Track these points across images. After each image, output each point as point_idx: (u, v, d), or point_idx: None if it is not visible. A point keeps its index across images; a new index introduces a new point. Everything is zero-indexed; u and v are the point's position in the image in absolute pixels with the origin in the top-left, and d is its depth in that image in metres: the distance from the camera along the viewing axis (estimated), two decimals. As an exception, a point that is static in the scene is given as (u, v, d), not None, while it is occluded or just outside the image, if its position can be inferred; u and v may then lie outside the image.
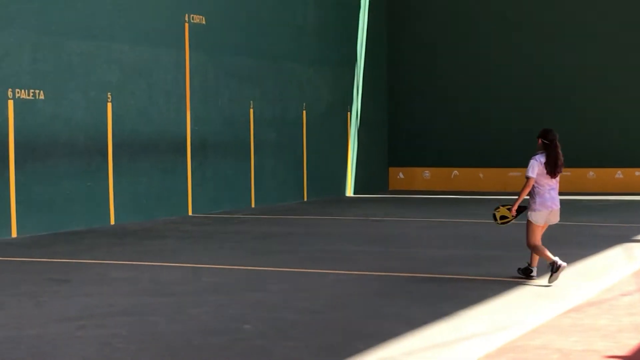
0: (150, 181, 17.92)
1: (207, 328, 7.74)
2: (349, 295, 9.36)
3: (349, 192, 24.80)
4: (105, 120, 16.89)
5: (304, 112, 22.75)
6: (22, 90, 15.20)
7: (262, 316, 8.22)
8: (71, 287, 10.02)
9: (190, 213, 18.92)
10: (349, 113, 24.72)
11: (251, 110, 20.83)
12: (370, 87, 25.81)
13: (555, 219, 10.16)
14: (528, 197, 10.19)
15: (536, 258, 10.19)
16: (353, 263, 11.72)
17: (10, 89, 14.97)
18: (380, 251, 12.96)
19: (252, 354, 6.82)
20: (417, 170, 26.87)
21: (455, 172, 26.44)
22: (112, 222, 16.98)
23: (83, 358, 6.75)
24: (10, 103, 14.99)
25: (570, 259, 11.31)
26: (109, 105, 16.95)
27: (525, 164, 10.35)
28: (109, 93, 16.93)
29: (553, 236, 12.32)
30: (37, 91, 15.47)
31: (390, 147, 27.02)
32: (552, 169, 9.93)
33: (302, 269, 11.21)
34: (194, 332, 7.59)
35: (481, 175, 26.16)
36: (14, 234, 14.99)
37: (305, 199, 22.82)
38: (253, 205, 20.87)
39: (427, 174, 26.82)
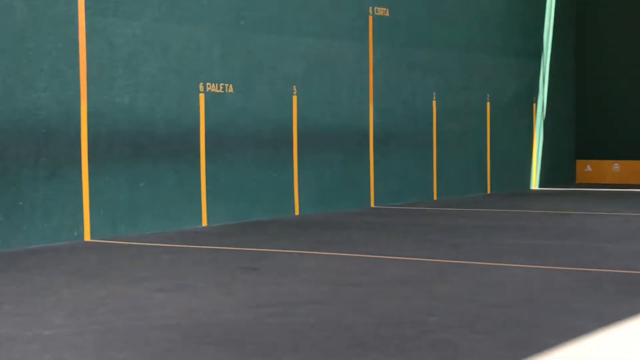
0: (333, 172, 18.17)
1: (393, 319, 7.77)
2: (536, 289, 9.18)
3: (534, 185, 24.31)
4: (290, 112, 17.25)
5: (488, 103, 22.46)
6: (213, 84, 15.72)
7: (448, 309, 8.18)
8: (259, 275, 10.29)
9: (372, 205, 19.06)
10: (534, 104, 24.22)
11: (434, 102, 20.74)
12: (557, 76, 25.17)
13: None
14: None
15: None
16: (540, 257, 11.48)
17: (201, 83, 15.52)
18: (569, 245, 12.63)
19: (438, 346, 6.80)
20: (606, 162, 26.00)
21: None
22: (297, 212, 17.32)
23: (273, 343, 6.92)
24: (202, 96, 15.53)
25: None
26: (294, 98, 17.29)
27: None
28: (294, 86, 17.27)
29: None
30: (226, 85, 15.97)
31: (577, 138, 26.29)
32: None
33: (487, 262, 11.08)
34: (380, 323, 7.64)
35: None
36: (204, 223, 15.54)
37: (489, 192, 22.53)
38: (435, 198, 20.80)
39: (617, 167, 25.91)
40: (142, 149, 14.63)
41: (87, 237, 13.72)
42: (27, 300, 8.80)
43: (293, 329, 7.42)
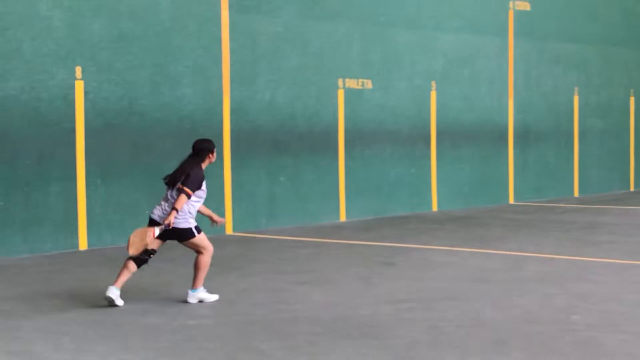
0: (472, 169, 18.02)
1: (534, 317, 7.68)
2: (684, 290, 8.90)
3: (681, 182, 23.47)
4: (429, 108, 17.19)
5: (632, 98, 21.81)
6: (352, 80, 15.83)
7: (591, 308, 8.02)
8: (398, 270, 10.32)
9: (511, 201, 18.80)
10: (681, 99, 23.37)
11: (576, 97, 20.30)
12: None
13: None
14: None
15: None
16: (687, 257, 11.11)
17: (340, 79, 15.65)
18: None
19: (582, 345, 6.69)
20: None
21: None
22: (435, 208, 17.26)
23: (412, 339, 6.94)
24: (341, 92, 15.66)
25: None
26: (433, 93, 17.23)
27: None
28: (433, 82, 17.21)
29: None
30: (365, 81, 16.05)
31: None
32: None
33: (630, 260, 10.79)
34: (521, 320, 7.56)
35: None
36: (343, 218, 15.68)
37: (632, 189, 21.89)
38: (576, 195, 20.35)
39: None
40: (282, 144, 14.87)
41: (229, 230, 14.05)
42: (174, 290, 9.09)
43: (431, 324, 7.43)
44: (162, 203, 8.40)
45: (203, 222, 9.15)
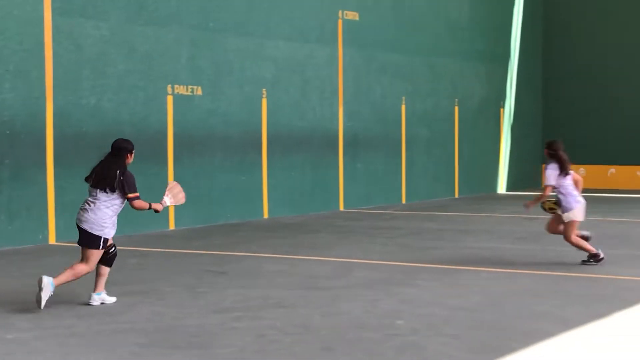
0: (302, 176, 18.16)
1: (360, 323, 7.76)
2: (501, 293, 9.21)
3: (501, 189, 24.44)
4: (260, 115, 17.20)
5: (457, 107, 22.55)
6: (181, 86, 15.65)
7: (415, 312, 8.19)
8: (227, 279, 10.24)
9: (341, 208, 19.06)
10: (502, 108, 24.35)
11: (403, 106, 20.80)
12: (525, 82, 25.35)
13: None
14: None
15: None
16: (506, 261, 11.53)
17: (169, 85, 15.44)
18: (533, 249, 12.69)
19: (405, 350, 6.80)
20: (572, 167, 26.16)
21: (612, 169, 25.65)
22: (266, 215, 17.28)
23: (239, 348, 6.88)
24: (170, 99, 15.45)
25: None
26: (264, 100, 17.25)
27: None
28: (263, 89, 17.23)
29: None
30: (195, 87, 15.90)
31: (544, 143, 26.41)
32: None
33: (454, 265, 11.11)
34: (348, 326, 7.63)
35: (639, 173, 25.28)
36: (172, 226, 15.46)
37: (457, 196, 22.62)
38: (404, 201, 20.84)
39: (583, 172, 26.11)
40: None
41: (52, 240, 13.59)
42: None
43: (259, 333, 7.39)
44: (89, 204, 8.52)
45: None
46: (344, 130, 19.13)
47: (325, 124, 18.70)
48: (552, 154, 11.14)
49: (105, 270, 8.69)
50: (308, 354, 6.70)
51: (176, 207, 15.54)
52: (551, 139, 11.52)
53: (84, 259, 8.53)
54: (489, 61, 23.80)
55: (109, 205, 8.58)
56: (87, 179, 8.75)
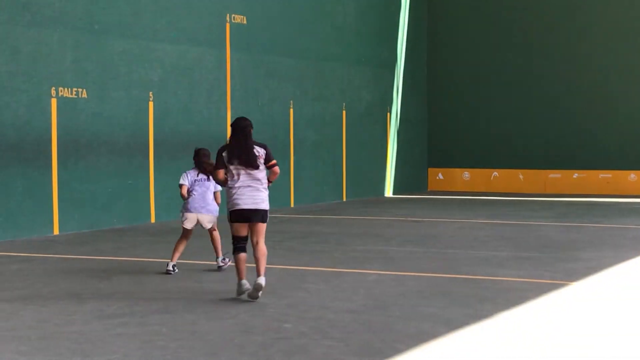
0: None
1: (248, 326, 7.77)
2: (388, 295, 9.35)
3: (388, 192, 24.78)
4: (146, 119, 17.02)
5: (344, 112, 22.77)
6: (66, 89, 15.36)
7: (302, 316, 8.24)
8: (111, 284, 10.10)
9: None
10: (388, 113, 24.71)
11: (291, 110, 20.89)
12: (410, 87, 25.78)
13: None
14: None
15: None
16: (392, 263, 11.70)
17: (53, 88, 15.14)
18: (419, 251, 12.92)
19: (292, 353, 6.84)
20: (457, 171, 26.77)
21: (495, 173, 26.32)
22: (153, 220, 17.11)
23: (124, 355, 6.80)
24: (54, 101, 15.15)
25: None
26: (151, 104, 17.08)
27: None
28: (150, 92, 17.07)
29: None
30: (80, 90, 15.63)
31: (430, 147, 26.97)
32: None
33: (341, 268, 11.22)
34: (235, 330, 7.62)
35: (521, 176, 26.01)
36: (56, 231, 15.16)
37: (344, 199, 22.84)
38: (292, 205, 20.92)
39: (467, 175, 26.72)
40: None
41: None
42: None
43: (145, 339, 7.31)
44: (251, 186, 9.07)
45: None
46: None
47: (213, 127, 18.63)
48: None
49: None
50: (194, 358, 6.67)
51: (61, 212, 15.23)
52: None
53: (257, 236, 9.17)
54: (376, 66, 24.13)
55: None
56: (227, 163, 9.03)
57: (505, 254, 12.58)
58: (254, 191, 9.16)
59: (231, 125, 9.43)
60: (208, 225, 11.20)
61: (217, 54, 18.67)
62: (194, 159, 11.34)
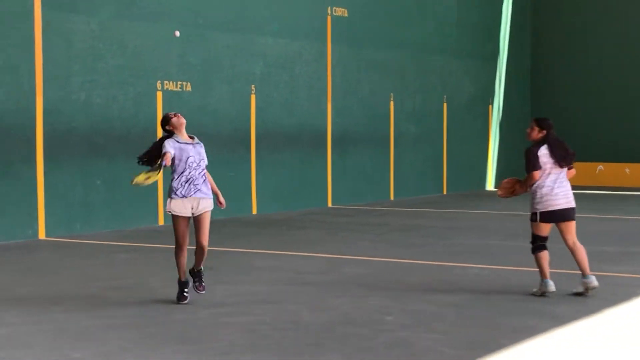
0: (291, 172, 18.16)
1: (350, 318, 7.78)
2: (491, 290, 9.23)
3: (490, 186, 24.49)
4: (249, 112, 17.20)
5: (445, 104, 22.59)
6: (171, 82, 15.63)
7: (404, 308, 8.21)
8: (215, 274, 10.24)
9: (329, 204, 19.07)
10: (490, 106, 24.40)
11: (392, 103, 20.82)
12: (513, 79, 25.40)
13: None
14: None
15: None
16: (495, 257, 11.56)
17: (159, 81, 15.42)
18: (522, 246, 12.71)
19: (395, 345, 6.82)
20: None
21: (601, 167, 25.73)
22: (254, 212, 17.28)
23: (229, 342, 6.89)
24: (159, 95, 15.43)
25: None
26: (253, 97, 17.25)
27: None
28: (252, 85, 17.23)
29: None
30: (184, 83, 15.88)
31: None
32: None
33: (443, 262, 11.14)
34: (337, 322, 7.64)
35: (627, 170, 25.38)
36: (161, 222, 15.44)
37: (445, 193, 22.66)
38: (392, 198, 20.87)
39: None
40: (98, 147, 14.49)
41: (41, 235, 13.57)
42: (-20, 299, 8.69)
43: (249, 328, 7.40)
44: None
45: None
46: (333, 126, 19.14)
47: (314, 121, 18.71)
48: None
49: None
50: (297, 350, 6.71)
51: (165, 204, 15.47)
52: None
53: (573, 235, 8.83)
54: (478, 58, 23.85)
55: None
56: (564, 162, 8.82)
57: (613, 249, 12.30)
58: (566, 190, 8.98)
59: (542, 124, 8.94)
60: None
61: (318, 47, 18.73)
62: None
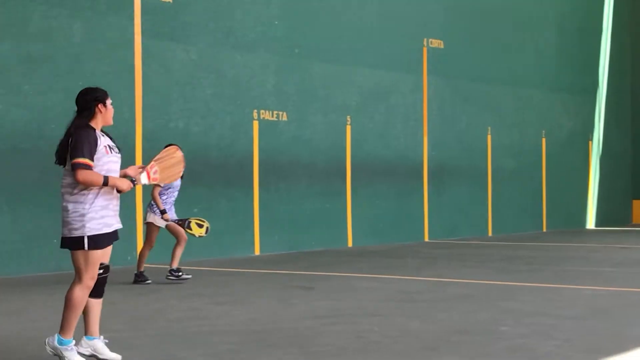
0: (387, 205, 17.87)
1: (462, 328, 7.43)
2: (608, 305, 8.78)
3: (590, 224, 23.78)
4: (344, 142, 17.03)
5: (544, 139, 22.08)
6: (267, 112, 15.58)
7: (519, 321, 7.81)
8: (317, 293, 9.99)
9: (426, 239, 18.70)
10: (590, 142, 23.79)
11: (489, 137, 20.44)
12: (613, 115, 24.76)
13: None
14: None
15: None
16: (608, 280, 11.05)
17: (255, 110, 15.39)
18: (635, 272, 12.17)
19: (515, 350, 6.45)
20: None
21: None
22: (350, 244, 17.02)
23: (339, 346, 6.61)
24: (256, 124, 15.39)
25: None
26: (348, 128, 17.09)
27: None
28: (348, 116, 17.09)
29: None
30: (280, 113, 15.82)
31: (634, 178, 25.74)
32: None
33: (553, 284, 10.68)
34: (448, 330, 7.30)
35: None
36: (257, 252, 15.30)
37: (544, 229, 22.06)
38: (490, 234, 20.38)
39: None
40: (196, 175, 14.46)
41: (139, 261, 13.51)
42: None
43: (357, 335, 7.11)
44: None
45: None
46: (429, 159, 18.84)
47: (410, 153, 18.44)
48: None
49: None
50: (410, 354, 6.40)
51: (262, 233, 15.39)
52: None
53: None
54: (577, 92, 23.32)
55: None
56: None
57: None
58: None
59: None
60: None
61: (414, 78, 18.53)
62: None
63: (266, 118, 15.57)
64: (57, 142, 6.01)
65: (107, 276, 6.05)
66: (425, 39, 18.73)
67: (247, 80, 15.29)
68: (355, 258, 14.63)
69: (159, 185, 10.68)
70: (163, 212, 10.70)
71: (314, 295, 9.80)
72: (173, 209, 11.01)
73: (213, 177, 14.72)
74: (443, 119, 19.25)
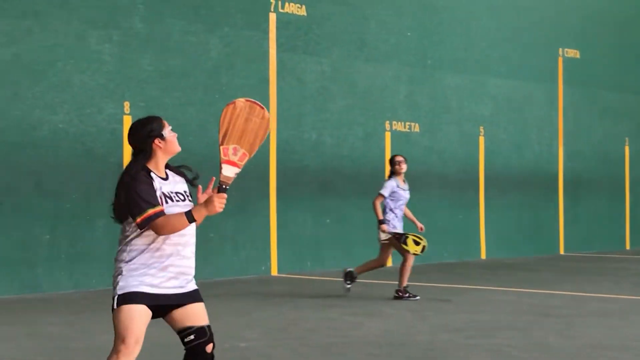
0: (520, 217, 17.60)
1: (605, 344, 7.25)
2: None
3: None
4: (477, 153, 16.88)
5: (685, 149, 21.33)
6: (399, 123, 15.59)
7: (662, 338, 7.58)
8: (452, 305, 9.93)
9: (561, 252, 18.31)
10: None
11: (626, 147, 19.89)
12: None
13: None
14: None
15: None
16: None
17: (387, 121, 15.42)
18: None
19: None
20: None
21: None
22: (483, 256, 16.83)
23: (477, 361, 6.57)
24: (388, 135, 15.41)
25: None
26: (481, 139, 16.92)
27: None
28: (481, 127, 16.92)
29: None
30: (412, 124, 15.80)
31: None
32: None
33: (697, 300, 10.32)
34: (589, 346, 7.14)
35: None
36: (390, 263, 15.28)
37: (685, 243, 21.28)
38: (628, 247, 19.81)
39: None
40: (329, 185, 14.59)
41: (274, 271, 13.72)
42: (224, 319, 8.78)
43: (495, 349, 7.03)
44: None
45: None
46: (564, 171, 18.46)
47: (545, 164, 18.11)
48: None
49: None
50: (551, 370, 6.29)
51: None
52: None
53: None
54: None
55: None
56: None
57: None
58: None
59: None
60: None
61: (549, 89, 18.21)
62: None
63: (398, 129, 15.58)
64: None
65: (202, 343, 4.70)
66: (560, 49, 18.38)
67: (379, 92, 15.35)
68: (489, 270, 14.46)
69: (381, 195, 10.37)
70: (381, 222, 10.34)
71: (448, 307, 9.74)
72: (401, 223, 10.62)
73: (346, 188, 14.81)
74: (579, 129, 18.83)
